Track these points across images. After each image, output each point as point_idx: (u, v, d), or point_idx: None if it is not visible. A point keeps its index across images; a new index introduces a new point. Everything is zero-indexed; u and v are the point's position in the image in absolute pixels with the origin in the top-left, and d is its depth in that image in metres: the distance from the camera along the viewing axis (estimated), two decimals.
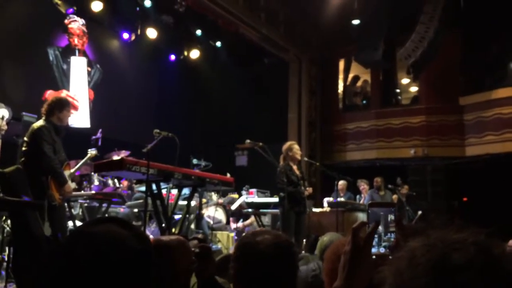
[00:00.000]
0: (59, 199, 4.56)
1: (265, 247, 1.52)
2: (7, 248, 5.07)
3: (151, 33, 10.12)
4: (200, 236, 5.96)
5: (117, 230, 0.97)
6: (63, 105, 4.79)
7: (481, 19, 9.69)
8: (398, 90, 12.37)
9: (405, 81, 12.43)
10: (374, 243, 1.07)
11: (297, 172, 6.24)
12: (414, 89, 12.10)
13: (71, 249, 0.94)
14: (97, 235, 0.95)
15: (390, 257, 0.98)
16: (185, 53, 11.16)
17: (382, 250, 1.09)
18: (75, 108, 8.48)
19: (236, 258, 1.57)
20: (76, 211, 6.30)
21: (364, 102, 12.31)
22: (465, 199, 10.80)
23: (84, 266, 0.91)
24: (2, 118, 6.79)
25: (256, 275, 1.51)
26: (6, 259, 5.02)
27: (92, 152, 5.42)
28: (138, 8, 9.63)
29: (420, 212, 8.63)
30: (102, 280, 0.90)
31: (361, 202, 8.99)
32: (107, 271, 0.91)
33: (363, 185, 9.35)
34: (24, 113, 6.98)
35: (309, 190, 6.34)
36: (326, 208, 7.98)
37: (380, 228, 1.09)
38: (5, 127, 6.73)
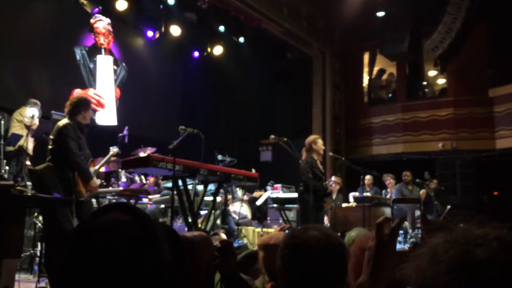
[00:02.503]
0: (86, 195, 4.67)
1: (316, 248, 1.48)
2: (39, 244, 5.24)
3: (175, 30, 10.20)
4: (222, 231, 6.01)
5: (119, 217, 0.96)
6: (87, 104, 4.91)
7: (509, 9, 9.40)
8: (425, 83, 12.14)
9: (432, 73, 12.18)
10: (400, 239, 1.05)
11: (321, 166, 6.23)
12: (441, 81, 11.85)
13: (74, 244, 0.95)
14: (98, 227, 0.95)
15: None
16: (209, 49, 11.21)
17: (408, 246, 1.08)
18: (102, 106, 8.63)
19: (285, 256, 1.53)
20: None
21: (390, 95, 12.13)
22: (495, 193, 10.54)
23: (87, 258, 0.91)
24: (33, 116, 7.01)
25: (305, 275, 1.48)
26: (38, 254, 5.18)
27: (113, 149, 5.52)
28: (161, 6, 9.73)
29: (449, 207, 8.47)
30: (106, 270, 0.90)
31: (388, 196, 8.88)
32: (110, 261, 0.90)
33: (389, 180, 9.23)
34: (53, 111, 7.17)
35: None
36: (352, 203, 7.91)
37: (407, 224, 1.08)
38: (36, 125, 6.94)
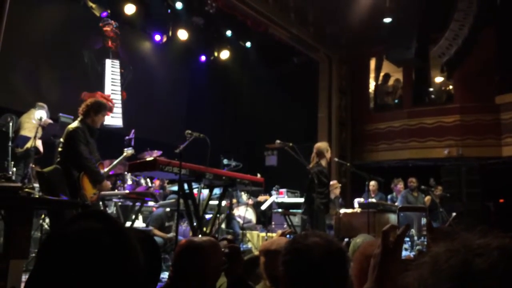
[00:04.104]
0: (91, 198, 4.67)
1: (317, 253, 1.50)
2: None
3: (182, 34, 10.26)
4: (229, 236, 6.02)
5: (91, 226, 0.96)
6: (100, 109, 4.93)
7: None
8: (431, 89, 12.11)
9: (438, 79, 12.16)
10: (407, 246, 1.07)
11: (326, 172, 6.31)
12: (448, 87, 11.82)
13: (44, 253, 0.96)
14: (68, 235, 0.95)
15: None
16: (215, 53, 11.26)
17: (414, 254, 1.09)
18: (111, 109, 8.68)
19: (287, 262, 1.55)
20: (111, 209, 6.46)
21: (396, 101, 12.12)
22: (501, 200, 10.48)
23: (55, 267, 0.91)
24: (40, 119, 7.08)
25: (307, 280, 1.50)
26: None
27: (128, 151, 5.56)
28: (169, 10, 9.79)
29: (454, 214, 8.44)
30: (75, 279, 0.90)
31: (396, 202, 8.84)
32: (79, 269, 0.91)
33: (400, 185, 9.17)
34: (61, 114, 7.23)
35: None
36: (357, 209, 7.90)
37: (413, 231, 1.09)
38: (48, 122, 7.01)
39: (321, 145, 6.45)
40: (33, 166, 6.68)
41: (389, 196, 9.31)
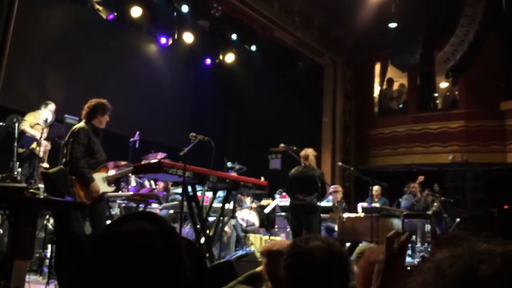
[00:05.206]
0: (84, 198, 4.61)
1: (319, 257, 1.51)
2: (49, 246, 5.29)
3: (188, 37, 10.28)
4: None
5: (144, 227, 0.95)
6: (105, 109, 4.95)
7: None
8: (436, 94, 12.09)
9: (443, 85, 12.13)
10: (409, 252, 1.07)
11: None
12: (453, 93, 11.80)
13: (98, 250, 0.95)
14: (123, 234, 0.94)
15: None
16: (221, 57, 11.28)
17: (417, 260, 1.10)
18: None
19: (288, 266, 1.55)
20: (115, 211, 6.48)
21: (401, 106, 12.11)
22: (505, 207, 10.43)
23: (110, 266, 0.91)
24: (46, 120, 7.11)
25: (308, 284, 1.50)
26: (48, 256, 5.23)
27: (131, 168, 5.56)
28: (175, 13, 9.82)
29: (458, 220, 8.40)
30: (125, 278, 0.89)
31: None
32: (130, 269, 0.90)
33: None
34: (66, 115, 7.26)
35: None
36: (360, 213, 7.89)
37: (414, 237, 1.10)
38: (45, 130, 7.03)
39: (313, 152, 6.62)
40: (46, 165, 6.72)
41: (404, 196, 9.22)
